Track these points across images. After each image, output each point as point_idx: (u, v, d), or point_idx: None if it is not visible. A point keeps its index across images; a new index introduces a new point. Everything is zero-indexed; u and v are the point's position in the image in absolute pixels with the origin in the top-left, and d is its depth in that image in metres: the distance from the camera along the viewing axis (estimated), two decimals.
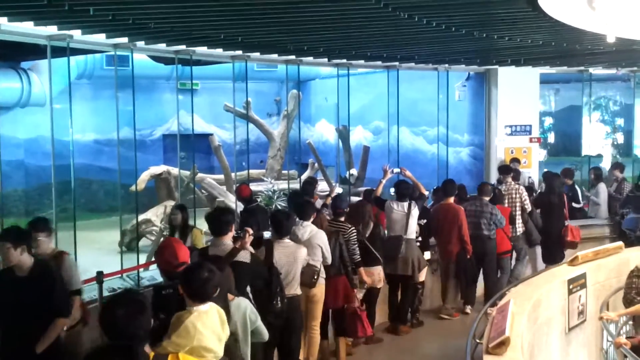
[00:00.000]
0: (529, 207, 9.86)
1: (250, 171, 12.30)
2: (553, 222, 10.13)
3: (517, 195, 9.78)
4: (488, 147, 12.49)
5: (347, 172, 13.74)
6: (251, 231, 5.46)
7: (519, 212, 9.78)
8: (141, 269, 8.66)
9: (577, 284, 6.87)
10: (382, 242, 8.00)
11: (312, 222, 6.83)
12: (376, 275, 7.74)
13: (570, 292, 6.74)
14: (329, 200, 8.51)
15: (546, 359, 6.30)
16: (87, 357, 2.56)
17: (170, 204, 12.63)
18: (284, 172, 13.99)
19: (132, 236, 10.96)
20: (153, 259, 9.51)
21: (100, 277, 7.11)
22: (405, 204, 8.22)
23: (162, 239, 11.22)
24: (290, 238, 6.31)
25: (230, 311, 4.41)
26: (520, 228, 9.83)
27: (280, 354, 6.17)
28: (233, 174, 12.46)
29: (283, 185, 12.92)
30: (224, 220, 5.61)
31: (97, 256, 10.15)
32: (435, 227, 8.99)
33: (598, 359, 6.97)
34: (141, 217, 11.37)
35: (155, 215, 12.37)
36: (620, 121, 17.65)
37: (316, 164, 14.43)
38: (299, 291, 6.25)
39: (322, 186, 12.52)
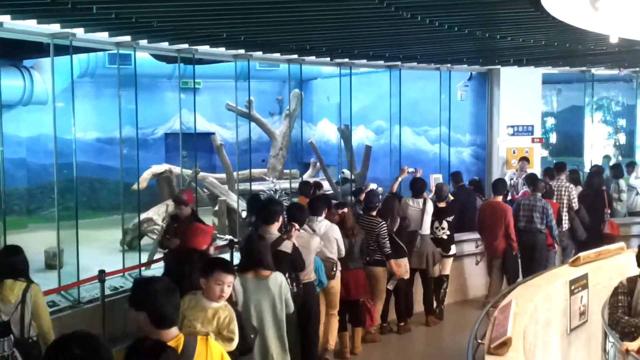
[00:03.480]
0: (575, 205, 10.15)
1: (252, 170, 12.30)
2: (596, 218, 10.39)
3: (566, 193, 10.10)
4: (490, 147, 12.49)
5: (341, 172, 13.74)
6: (297, 226, 6.17)
7: (565, 209, 10.08)
8: (143, 268, 8.66)
9: (578, 284, 6.86)
10: (407, 236, 8.32)
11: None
12: (403, 266, 8.08)
13: (572, 292, 6.73)
14: (363, 197, 8.69)
15: (547, 359, 6.30)
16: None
17: (172, 202, 12.65)
18: (285, 171, 13.99)
19: (134, 235, 10.97)
20: (155, 258, 9.55)
21: (102, 275, 7.13)
22: (421, 201, 8.56)
23: None
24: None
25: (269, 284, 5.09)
26: (566, 224, 10.07)
27: (300, 337, 6.49)
28: (235, 173, 12.46)
29: (285, 184, 12.92)
30: (273, 210, 6.17)
31: (99, 255, 10.17)
32: (482, 223, 9.42)
33: None
34: (143, 215, 11.38)
35: (157, 214, 12.39)
36: (622, 122, 17.62)
37: (318, 164, 14.43)
38: (313, 277, 6.55)
39: (324, 186, 12.51)
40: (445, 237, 8.88)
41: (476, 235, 9.80)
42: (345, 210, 7.57)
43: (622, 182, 11.55)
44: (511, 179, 11.55)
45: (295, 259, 6.04)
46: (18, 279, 5.15)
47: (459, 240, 9.48)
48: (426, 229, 8.54)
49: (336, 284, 7.12)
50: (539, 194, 9.42)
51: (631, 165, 11.73)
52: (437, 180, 10.54)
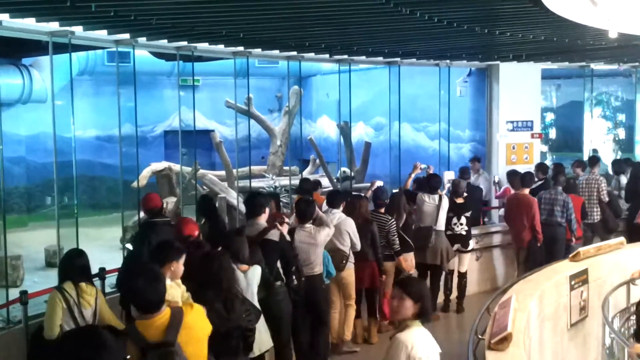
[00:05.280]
0: (605, 198, 10.52)
1: (252, 167, 12.29)
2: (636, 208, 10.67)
3: (596, 186, 10.49)
4: (489, 143, 12.47)
5: (340, 170, 13.74)
6: (287, 220, 6.47)
7: (596, 201, 10.50)
8: None
9: (578, 280, 6.87)
10: (422, 231, 8.55)
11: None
12: (410, 261, 8.26)
13: (572, 288, 6.74)
14: (369, 193, 8.73)
15: (548, 354, 6.31)
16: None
17: (172, 200, 12.64)
18: (285, 168, 13.98)
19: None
20: None
21: (102, 273, 7.13)
22: (436, 197, 8.69)
23: None
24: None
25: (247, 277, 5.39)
26: (597, 216, 10.44)
27: (312, 326, 6.76)
28: (234, 170, 12.46)
29: (284, 181, 12.92)
30: (258, 203, 6.39)
31: (99, 252, 10.15)
32: (509, 215, 9.70)
33: (600, 355, 6.97)
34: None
35: None
36: (621, 117, 17.60)
37: (317, 160, 14.43)
38: (318, 270, 6.71)
39: (323, 182, 12.52)
40: (463, 232, 9.06)
41: (478, 231, 9.83)
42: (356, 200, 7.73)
43: (622, 178, 11.56)
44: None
45: (284, 246, 6.19)
46: (87, 283, 5.14)
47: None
48: (441, 225, 8.67)
49: (348, 275, 7.31)
50: (560, 188, 9.63)
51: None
52: (449, 177, 10.66)
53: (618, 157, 14.62)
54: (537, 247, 9.32)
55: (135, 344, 3.52)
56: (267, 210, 6.39)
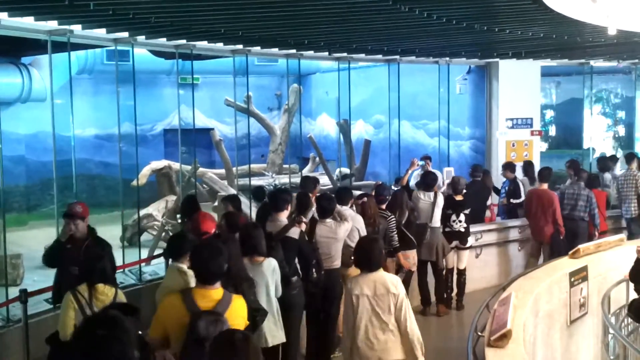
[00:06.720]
0: None
1: (252, 165, 12.29)
2: None
3: (634, 181, 10.66)
4: (489, 140, 12.48)
5: (337, 170, 13.72)
6: (304, 219, 6.49)
7: (634, 197, 10.66)
8: (143, 264, 8.67)
9: (578, 276, 6.87)
10: (417, 228, 8.55)
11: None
12: (411, 258, 8.26)
13: (571, 284, 6.73)
14: (373, 192, 8.76)
15: (548, 351, 6.31)
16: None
17: (172, 198, 12.65)
18: (285, 166, 13.99)
19: (134, 231, 10.97)
20: (155, 254, 9.56)
21: None
22: (432, 194, 8.66)
23: (163, 233, 11.26)
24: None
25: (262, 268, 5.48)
26: (634, 211, 10.65)
27: (322, 320, 6.80)
28: (234, 169, 12.46)
29: (284, 179, 12.92)
30: (283, 198, 6.49)
31: None
32: (529, 210, 9.71)
33: (600, 352, 6.97)
34: (143, 212, 11.37)
35: (157, 210, 12.38)
36: (621, 114, 17.61)
37: (317, 158, 14.43)
38: (337, 264, 6.80)
39: (322, 180, 12.52)
40: (462, 229, 9.04)
41: (477, 228, 9.84)
42: (366, 199, 7.74)
43: (607, 175, 11.53)
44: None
45: (302, 244, 6.27)
46: (106, 284, 5.12)
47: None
48: (436, 222, 8.68)
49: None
50: (582, 183, 9.75)
51: (630, 157, 11.72)
52: (449, 173, 10.63)
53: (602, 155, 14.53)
54: (560, 240, 9.39)
55: (187, 309, 3.94)
56: (289, 206, 6.50)
